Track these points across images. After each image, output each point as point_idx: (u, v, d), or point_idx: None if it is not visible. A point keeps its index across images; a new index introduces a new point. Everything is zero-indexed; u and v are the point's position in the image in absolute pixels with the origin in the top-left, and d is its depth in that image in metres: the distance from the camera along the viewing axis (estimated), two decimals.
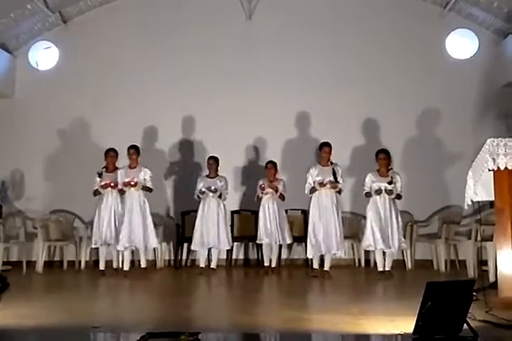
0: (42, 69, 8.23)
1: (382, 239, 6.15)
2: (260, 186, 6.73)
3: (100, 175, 6.60)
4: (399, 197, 6.29)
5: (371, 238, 6.19)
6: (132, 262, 7.26)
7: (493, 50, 7.78)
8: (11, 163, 7.82)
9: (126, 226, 6.44)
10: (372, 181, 6.25)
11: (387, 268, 6.24)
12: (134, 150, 6.61)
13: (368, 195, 6.29)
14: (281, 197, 6.75)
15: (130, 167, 6.61)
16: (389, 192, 6.17)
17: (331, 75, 7.83)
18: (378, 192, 6.18)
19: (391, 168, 6.29)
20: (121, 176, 6.52)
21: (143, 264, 6.64)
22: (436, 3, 7.92)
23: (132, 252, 6.82)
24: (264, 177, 6.84)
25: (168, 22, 7.96)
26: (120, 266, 6.60)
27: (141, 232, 6.49)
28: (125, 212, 6.48)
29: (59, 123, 7.88)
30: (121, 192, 6.54)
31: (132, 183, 6.43)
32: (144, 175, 6.57)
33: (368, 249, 6.43)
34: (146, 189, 6.59)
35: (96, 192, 6.68)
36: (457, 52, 8.03)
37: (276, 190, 6.69)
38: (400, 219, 6.29)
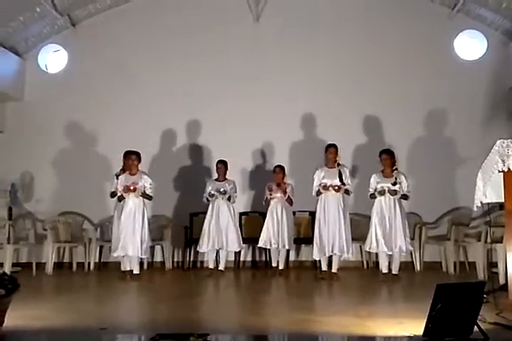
0: (51, 72, 8.27)
1: (385, 241, 6.06)
2: (268, 187, 6.72)
3: (117, 176, 6.57)
4: (405, 197, 6.21)
5: (374, 240, 6.13)
6: (141, 264, 7.31)
7: (502, 51, 7.74)
8: (21, 165, 7.87)
9: (123, 233, 6.36)
10: (376, 182, 6.20)
11: (394, 272, 6.13)
12: (135, 156, 6.54)
13: (373, 196, 6.22)
14: (289, 201, 6.73)
15: (130, 173, 6.53)
16: (392, 192, 6.09)
17: (338, 77, 7.82)
18: (381, 192, 6.12)
19: (396, 168, 6.17)
20: (121, 182, 6.43)
21: (136, 270, 6.48)
22: (445, 5, 7.89)
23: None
24: (272, 181, 6.83)
25: (175, 25, 7.98)
26: (129, 268, 6.50)
27: (136, 240, 6.36)
28: (122, 219, 6.38)
29: (68, 126, 7.93)
30: (120, 199, 6.45)
31: (132, 188, 6.36)
32: (144, 182, 6.49)
33: (370, 251, 6.36)
34: (146, 196, 6.50)
35: (112, 194, 6.65)
36: (465, 53, 8.00)
37: (285, 192, 6.68)
38: (406, 220, 6.20)
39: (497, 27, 7.81)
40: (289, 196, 6.71)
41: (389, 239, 6.07)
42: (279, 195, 6.68)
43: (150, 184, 6.53)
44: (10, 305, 3.53)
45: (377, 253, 6.38)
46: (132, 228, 6.39)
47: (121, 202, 6.48)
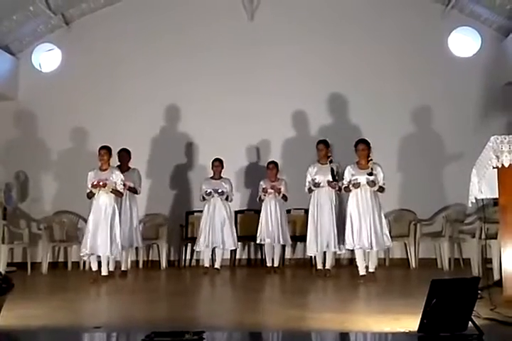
0: (45, 71, 8.24)
1: (362, 237, 5.72)
2: (263, 189, 6.75)
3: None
4: (381, 189, 5.83)
5: (350, 236, 5.78)
6: (137, 262, 7.31)
7: (496, 48, 7.76)
8: (15, 165, 7.84)
9: (92, 231, 6.07)
10: (351, 174, 5.84)
11: (370, 270, 5.80)
12: (105, 150, 6.22)
13: (347, 189, 5.88)
14: (284, 197, 6.78)
15: (101, 169, 6.24)
16: (371, 183, 5.70)
17: (332, 74, 7.82)
18: (356, 185, 5.77)
19: (371, 159, 5.80)
20: (91, 179, 6.16)
21: (104, 272, 6.13)
22: (438, 2, 7.90)
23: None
24: (266, 178, 6.88)
25: (170, 23, 7.96)
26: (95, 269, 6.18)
27: (105, 239, 6.05)
28: (91, 217, 6.12)
29: (62, 125, 7.89)
30: (90, 196, 6.17)
31: (101, 184, 6.03)
32: (115, 178, 6.18)
33: (349, 248, 6.00)
34: (116, 192, 6.18)
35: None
36: (459, 50, 8.01)
37: (279, 192, 6.71)
38: (382, 214, 5.86)
39: (491, 24, 7.83)
40: (283, 194, 6.74)
41: (367, 235, 5.72)
42: (273, 191, 6.72)
43: (122, 179, 6.21)
44: (4, 305, 3.51)
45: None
46: (103, 226, 6.06)
47: (93, 200, 6.14)
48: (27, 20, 7.72)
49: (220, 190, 6.73)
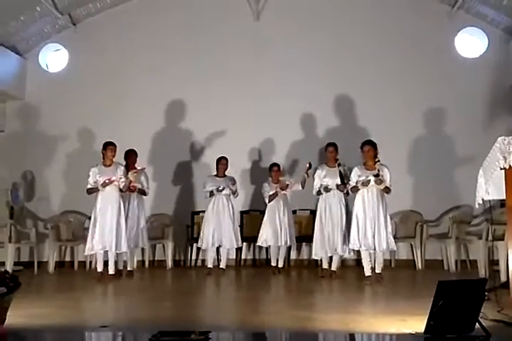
0: (52, 72, 8.28)
1: (367, 238, 5.74)
2: (282, 186, 6.68)
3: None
4: (388, 190, 5.82)
5: (356, 237, 5.78)
6: (143, 262, 7.33)
7: (503, 49, 7.73)
8: (22, 165, 7.88)
9: (99, 227, 6.08)
10: (358, 175, 5.83)
11: (377, 271, 5.82)
12: (113, 146, 6.18)
13: (355, 189, 5.87)
14: (303, 184, 6.60)
15: (105, 165, 6.21)
16: (378, 181, 5.68)
17: (339, 76, 7.81)
18: (366, 183, 5.78)
19: (378, 160, 5.76)
20: (94, 175, 6.16)
21: (111, 270, 6.13)
22: (445, 2, 7.88)
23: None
24: (269, 180, 6.86)
25: (176, 24, 7.98)
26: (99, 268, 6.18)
27: (112, 235, 6.06)
28: (98, 213, 6.12)
29: (69, 125, 7.92)
30: (90, 192, 6.19)
31: (113, 179, 6.05)
32: (120, 174, 6.18)
33: (353, 248, 5.94)
34: (121, 188, 6.21)
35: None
36: (466, 50, 7.99)
37: (304, 182, 6.55)
38: (388, 216, 5.85)
39: (497, 24, 7.80)
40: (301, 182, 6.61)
41: (372, 236, 5.74)
42: (289, 191, 6.69)
43: (125, 176, 6.18)
44: (11, 303, 3.54)
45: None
46: (109, 223, 6.07)
47: (97, 197, 6.16)
48: (34, 21, 7.75)
49: (221, 187, 6.70)
